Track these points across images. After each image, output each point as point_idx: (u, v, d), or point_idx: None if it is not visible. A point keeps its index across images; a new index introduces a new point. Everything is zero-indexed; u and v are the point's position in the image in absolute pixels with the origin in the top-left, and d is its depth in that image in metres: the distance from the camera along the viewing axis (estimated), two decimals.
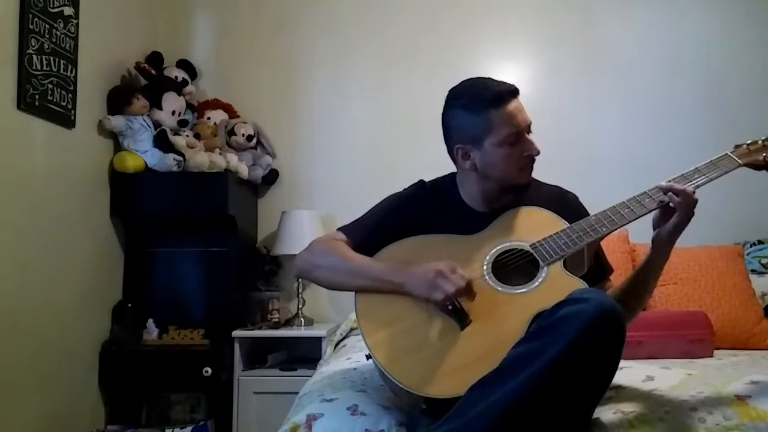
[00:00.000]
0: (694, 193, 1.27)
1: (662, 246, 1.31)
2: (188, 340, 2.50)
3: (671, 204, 1.28)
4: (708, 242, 2.45)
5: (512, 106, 1.35)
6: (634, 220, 1.31)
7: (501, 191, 1.42)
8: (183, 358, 2.45)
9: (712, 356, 1.90)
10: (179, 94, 2.72)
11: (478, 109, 1.35)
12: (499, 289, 1.28)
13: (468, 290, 1.25)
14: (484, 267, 1.32)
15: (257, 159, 2.88)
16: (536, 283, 1.27)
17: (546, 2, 3.03)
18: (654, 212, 1.32)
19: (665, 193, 1.29)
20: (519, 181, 1.40)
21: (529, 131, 1.38)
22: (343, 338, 2.33)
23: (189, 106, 2.80)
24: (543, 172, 1.50)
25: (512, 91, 1.36)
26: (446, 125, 1.43)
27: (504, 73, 2.88)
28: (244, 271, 2.76)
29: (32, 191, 2.11)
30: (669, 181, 1.32)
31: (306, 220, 2.74)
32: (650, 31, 2.98)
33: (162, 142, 2.53)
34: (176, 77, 2.79)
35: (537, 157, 1.39)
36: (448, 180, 1.51)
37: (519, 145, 1.36)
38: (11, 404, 2.00)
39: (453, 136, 1.41)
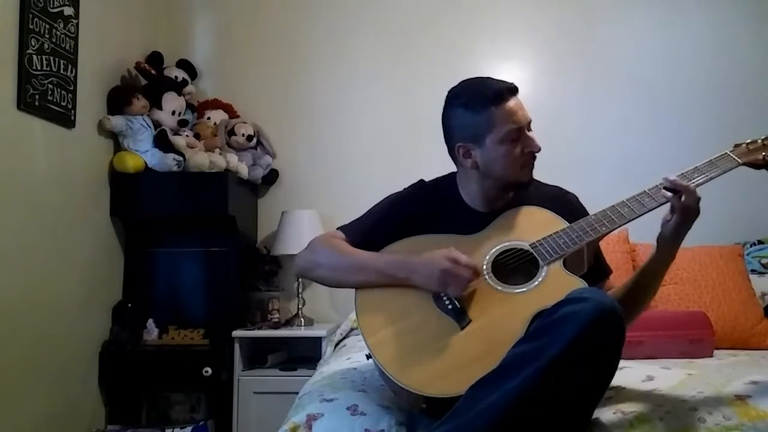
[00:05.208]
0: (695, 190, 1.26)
1: (667, 244, 1.30)
2: (188, 340, 2.50)
3: (672, 203, 1.26)
4: (708, 242, 2.44)
5: (512, 103, 1.35)
6: (634, 219, 1.31)
7: (502, 189, 1.42)
8: (183, 358, 2.45)
9: (712, 356, 1.89)
10: (179, 94, 2.72)
11: (479, 106, 1.35)
12: (499, 288, 1.28)
13: (477, 273, 1.27)
14: (484, 267, 1.32)
15: (257, 159, 2.88)
16: (536, 283, 1.27)
17: (546, 2, 3.03)
18: (664, 210, 1.30)
19: (669, 190, 1.27)
20: (520, 178, 1.40)
21: (529, 128, 1.39)
22: (343, 338, 2.33)
23: (189, 106, 2.80)
24: (542, 171, 1.49)
25: (512, 89, 1.37)
26: (447, 125, 1.43)
27: (504, 72, 2.88)
28: (244, 271, 2.76)
29: (32, 191, 2.11)
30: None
31: (306, 220, 2.74)
32: (650, 30, 2.98)
33: (162, 142, 2.53)
34: (176, 77, 2.79)
35: (537, 157, 1.39)
36: (448, 180, 1.51)
37: (520, 141, 1.36)
38: (11, 404, 2.00)
39: (454, 135, 1.41)
